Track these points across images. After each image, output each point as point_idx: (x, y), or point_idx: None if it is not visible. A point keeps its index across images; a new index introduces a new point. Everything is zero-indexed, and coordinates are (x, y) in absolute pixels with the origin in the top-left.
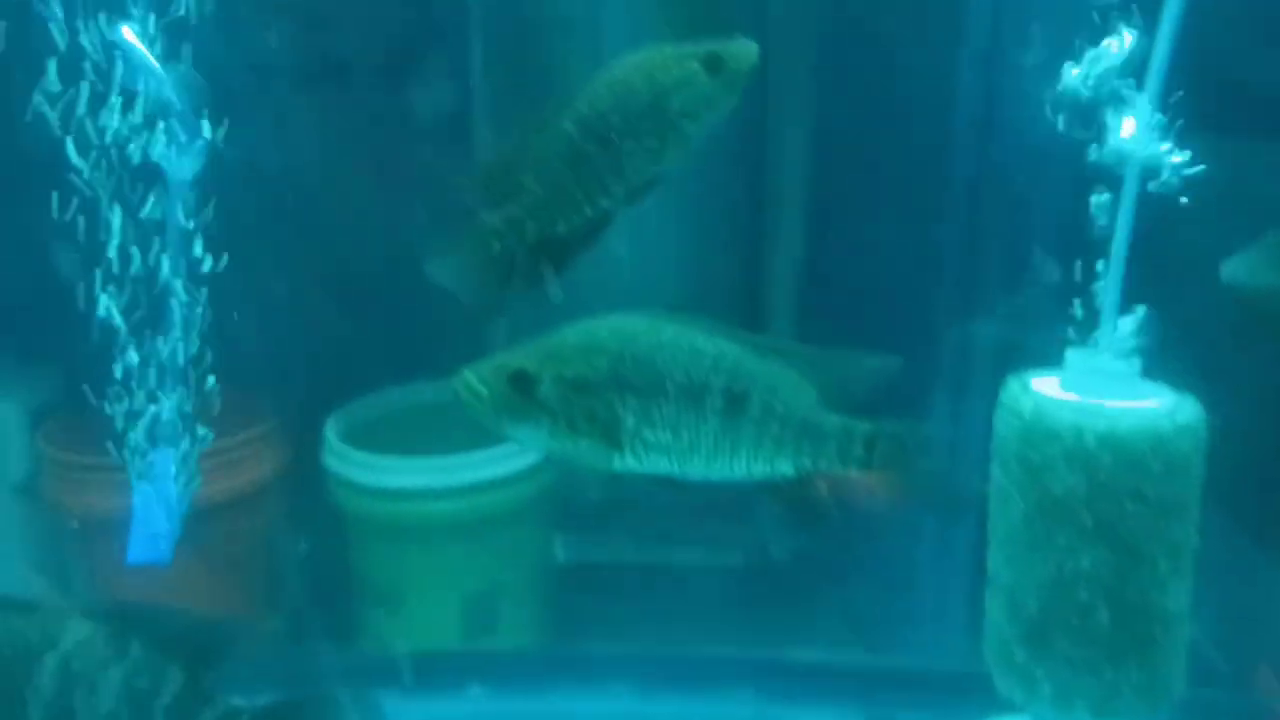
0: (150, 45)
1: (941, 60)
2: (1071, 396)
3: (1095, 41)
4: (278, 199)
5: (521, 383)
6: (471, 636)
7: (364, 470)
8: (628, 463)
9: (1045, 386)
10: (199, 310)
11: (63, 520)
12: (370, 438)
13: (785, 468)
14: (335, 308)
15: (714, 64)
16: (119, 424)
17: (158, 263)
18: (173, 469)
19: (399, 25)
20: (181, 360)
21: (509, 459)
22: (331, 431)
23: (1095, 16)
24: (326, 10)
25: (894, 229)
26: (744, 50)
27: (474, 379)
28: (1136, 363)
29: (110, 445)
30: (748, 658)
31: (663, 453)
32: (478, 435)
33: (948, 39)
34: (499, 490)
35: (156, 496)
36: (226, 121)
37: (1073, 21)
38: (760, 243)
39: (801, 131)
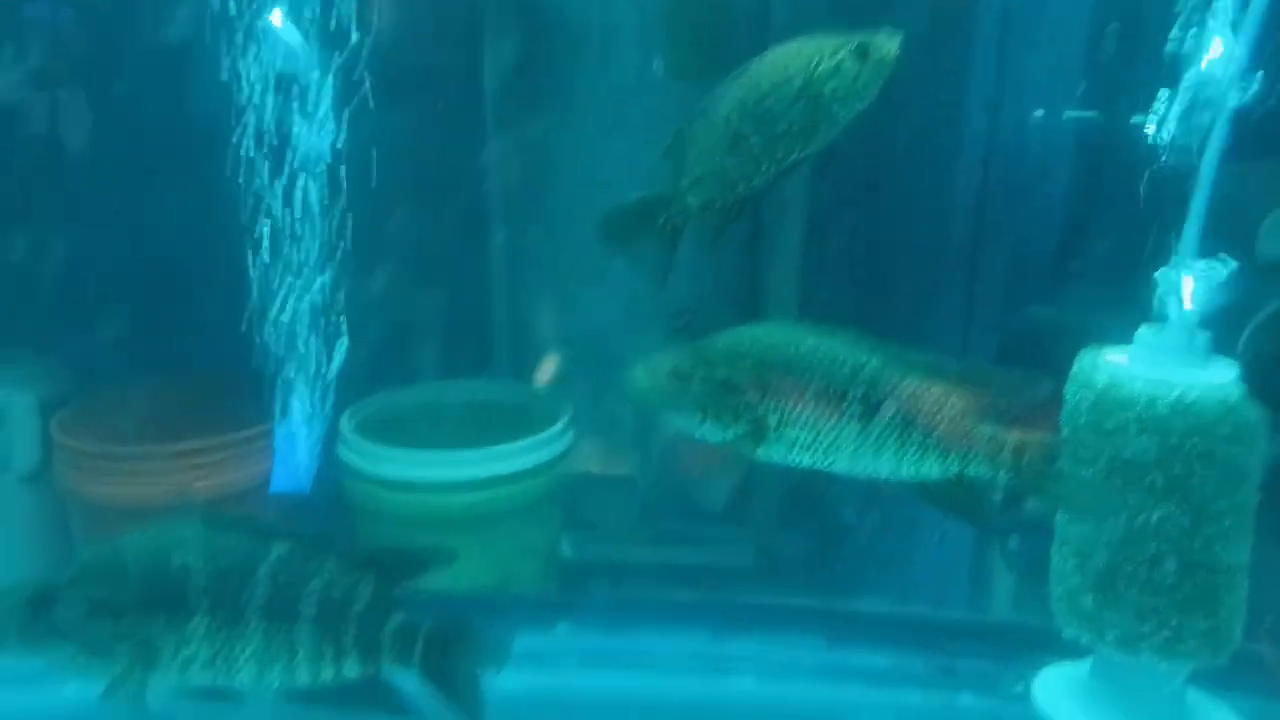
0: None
1: (953, 41)
2: (1142, 369)
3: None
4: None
5: (676, 378)
6: None
7: (377, 462)
8: (775, 455)
9: (1117, 359)
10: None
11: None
12: (384, 432)
13: (933, 471)
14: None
15: (862, 53)
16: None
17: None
18: (308, 408)
19: None
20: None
21: (520, 455)
22: (347, 424)
23: None
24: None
25: (903, 225)
26: (889, 40)
27: (640, 373)
28: (1204, 336)
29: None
30: (817, 606)
31: (806, 450)
32: (489, 432)
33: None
34: (510, 485)
35: (294, 433)
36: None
37: None
38: (761, 244)
39: None
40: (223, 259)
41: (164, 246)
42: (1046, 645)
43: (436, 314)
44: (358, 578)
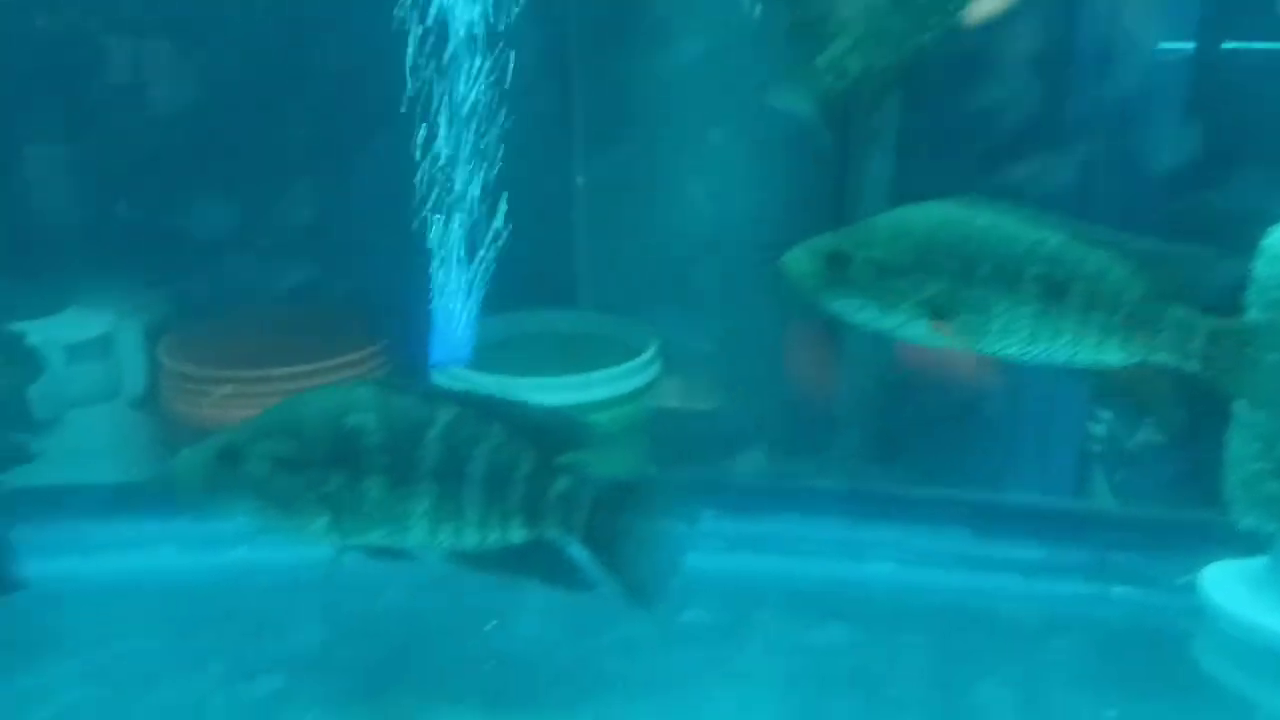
0: None
1: None
2: None
3: None
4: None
5: (835, 262)
6: None
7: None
8: (941, 339)
9: None
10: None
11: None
12: (476, 359)
13: (1113, 357)
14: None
15: None
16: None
17: None
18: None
19: None
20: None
21: (609, 383)
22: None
23: None
24: None
25: (998, 164)
26: None
27: (796, 256)
28: None
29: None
30: (964, 497)
31: (977, 334)
32: (578, 361)
33: None
34: (602, 411)
35: (453, 309)
36: None
37: None
38: (846, 181)
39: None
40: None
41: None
42: (1202, 539)
43: (523, 243)
44: (523, 443)
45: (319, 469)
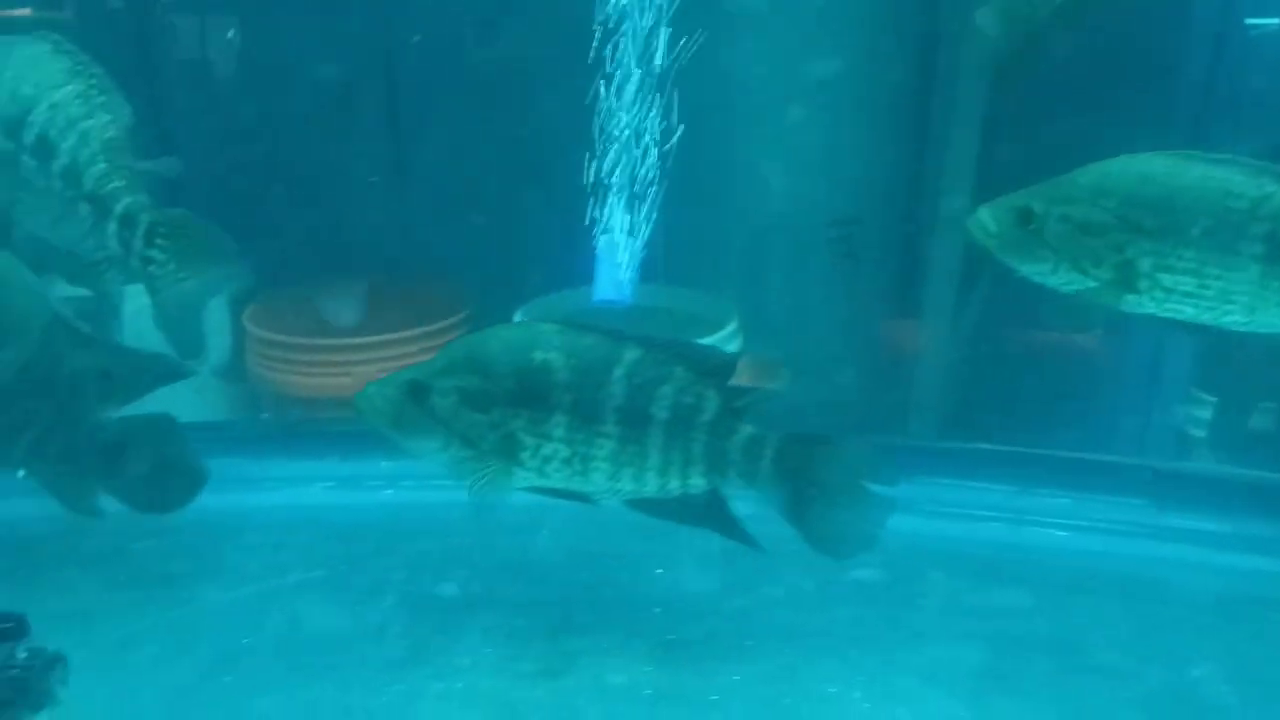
0: None
1: None
2: None
3: None
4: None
5: (1026, 219)
6: None
7: None
8: (1145, 305)
9: None
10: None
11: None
12: None
13: None
14: (535, 205)
15: None
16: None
17: None
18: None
19: None
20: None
21: None
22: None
23: None
24: None
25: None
26: None
27: (985, 215)
28: None
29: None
30: (1140, 465)
31: (1186, 300)
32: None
33: None
34: None
35: (615, 248)
36: None
37: None
38: (925, 162)
39: (973, 48)
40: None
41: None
42: None
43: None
44: (706, 386)
45: (504, 405)
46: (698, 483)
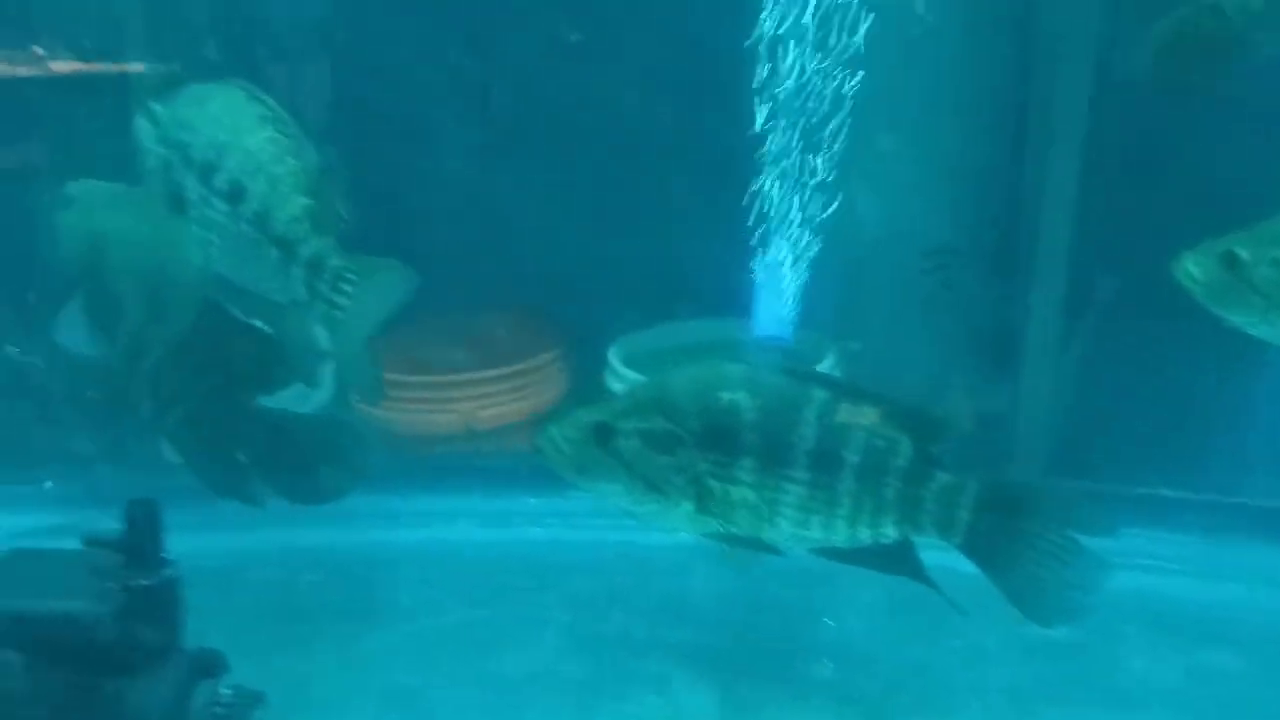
0: None
1: None
2: None
3: None
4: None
5: (1233, 265)
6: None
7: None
8: None
9: None
10: None
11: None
12: (650, 365)
13: None
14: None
15: None
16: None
17: None
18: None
19: None
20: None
21: None
22: (614, 357)
23: None
24: None
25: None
26: None
27: (1189, 261)
28: None
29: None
30: (1196, 499)
31: None
32: None
33: None
34: None
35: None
36: None
37: None
38: (1022, 192)
39: (1074, 73)
40: None
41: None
42: None
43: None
44: (898, 430)
45: (690, 448)
46: (889, 532)
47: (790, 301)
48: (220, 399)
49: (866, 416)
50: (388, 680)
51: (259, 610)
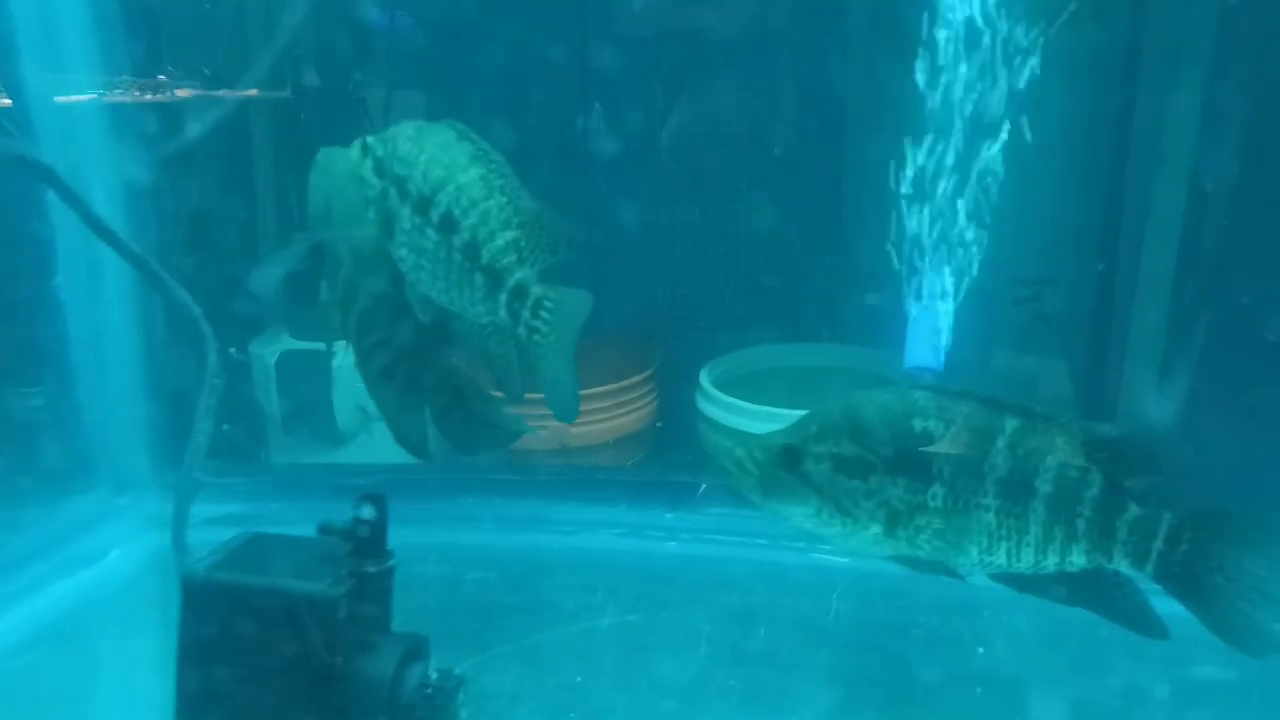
0: None
1: None
2: None
3: None
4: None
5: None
6: None
7: (729, 413)
8: None
9: None
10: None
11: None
12: (740, 387)
13: None
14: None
15: None
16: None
17: None
18: (940, 290)
19: None
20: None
21: None
22: (706, 379)
23: None
24: None
25: None
26: None
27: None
28: None
29: None
30: None
31: None
32: (828, 390)
33: None
34: None
35: (929, 314)
36: None
37: None
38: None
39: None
40: None
41: None
42: None
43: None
44: (1090, 459)
45: (882, 474)
46: (1077, 561)
47: (934, 331)
48: (415, 356)
49: (1060, 446)
50: (558, 677)
51: (433, 605)
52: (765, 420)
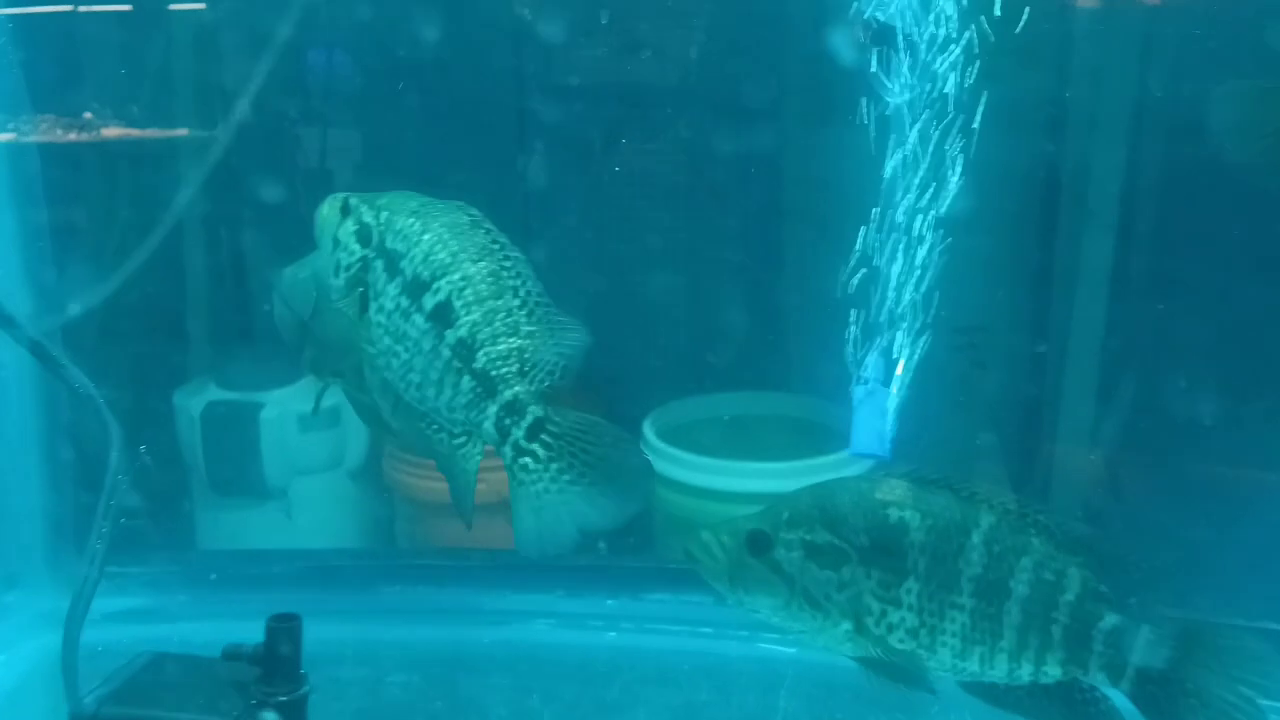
0: None
1: None
2: None
3: None
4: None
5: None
6: None
7: (673, 466)
8: None
9: None
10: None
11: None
12: (683, 438)
13: None
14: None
15: None
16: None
17: None
18: (888, 375)
19: None
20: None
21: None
22: (649, 429)
23: None
24: None
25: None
26: None
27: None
28: None
29: None
30: None
31: None
32: (782, 447)
33: None
34: None
35: (874, 398)
36: None
37: None
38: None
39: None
40: None
41: None
42: None
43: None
44: (1067, 561)
45: (856, 564)
46: (1052, 671)
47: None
48: None
49: (1035, 545)
50: None
51: (351, 713)
52: (713, 473)
